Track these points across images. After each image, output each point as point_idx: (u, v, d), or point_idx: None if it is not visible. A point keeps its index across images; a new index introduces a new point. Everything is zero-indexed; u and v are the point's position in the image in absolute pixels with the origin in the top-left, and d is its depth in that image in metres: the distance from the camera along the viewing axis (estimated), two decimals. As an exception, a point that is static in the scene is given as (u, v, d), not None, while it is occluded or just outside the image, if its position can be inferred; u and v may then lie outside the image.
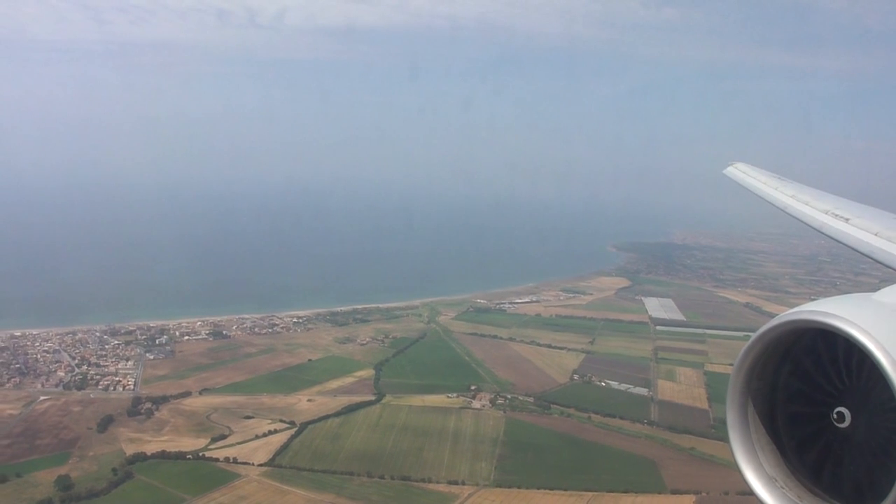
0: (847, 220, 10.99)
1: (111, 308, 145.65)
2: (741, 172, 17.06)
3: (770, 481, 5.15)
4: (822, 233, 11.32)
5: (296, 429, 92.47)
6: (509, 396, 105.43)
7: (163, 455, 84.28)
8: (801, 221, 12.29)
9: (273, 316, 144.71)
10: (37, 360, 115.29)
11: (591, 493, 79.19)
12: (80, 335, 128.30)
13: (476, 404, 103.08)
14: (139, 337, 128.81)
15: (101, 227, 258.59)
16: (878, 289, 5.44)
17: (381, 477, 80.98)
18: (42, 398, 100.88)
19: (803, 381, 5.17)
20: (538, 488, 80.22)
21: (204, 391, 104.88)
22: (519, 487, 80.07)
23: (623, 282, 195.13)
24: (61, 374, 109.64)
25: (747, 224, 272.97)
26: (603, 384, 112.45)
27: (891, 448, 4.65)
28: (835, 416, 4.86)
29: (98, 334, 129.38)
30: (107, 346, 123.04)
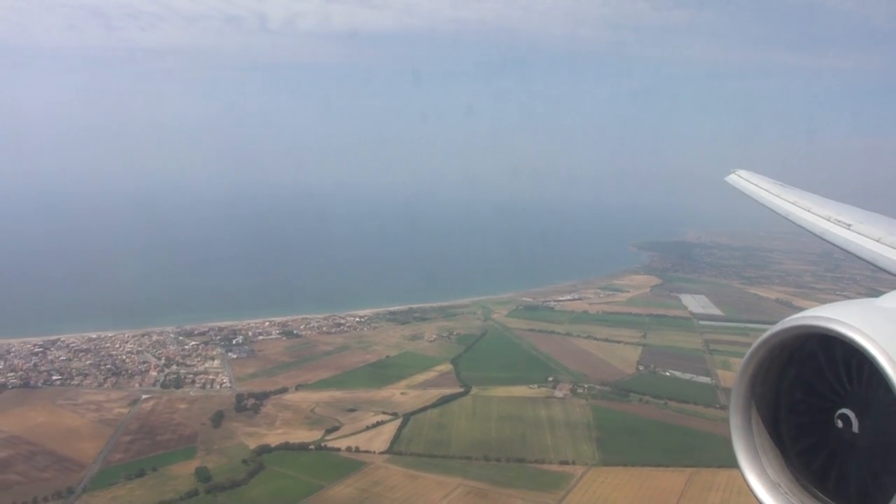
0: (849, 226, 10.92)
1: (170, 310, 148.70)
2: (743, 180, 17.22)
3: (774, 487, 5.18)
4: (825, 239, 11.31)
5: (400, 419, 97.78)
6: (587, 386, 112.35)
7: (286, 446, 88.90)
8: (804, 228, 12.32)
9: (335, 316, 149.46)
10: (124, 360, 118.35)
11: (690, 469, 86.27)
12: (155, 337, 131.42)
13: (558, 394, 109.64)
14: (214, 337, 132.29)
15: (123, 231, 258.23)
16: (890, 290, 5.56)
17: (498, 460, 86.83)
18: (144, 397, 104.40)
19: (807, 387, 5.22)
20: (642, 466, 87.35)
21: (299, 387, 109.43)
22: (625, 465, 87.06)
23: (654, 280, 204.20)
24: (154, 373, 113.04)
25: (754, 223, 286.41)
26: (668, 374, 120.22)
27: (894, 453, 4.69)
28: (838, 421, 4.90)
29: (172, 335, 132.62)
30: (186, 347, 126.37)
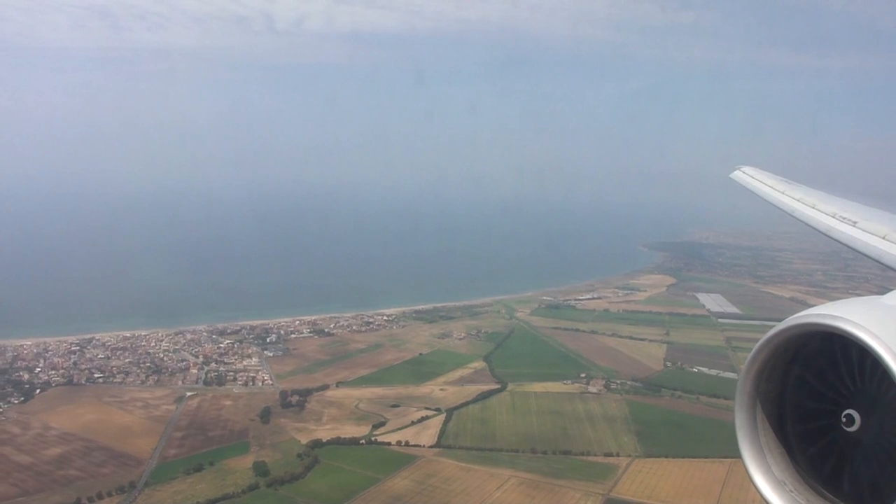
0: (854, 223, 10.81)
1: (198, 309, 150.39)
2: (748, 176, 16.97)
3: (779, 485, 5.19)
4: (830, 236, 11.19)
5: (444, 415, 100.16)
6: (619, 382, 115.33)
7: (337, 441, 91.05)
8: (809, 225, 12.19)
9: (363, 314, 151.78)
10: (162, 359, 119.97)
11: (730, 460, 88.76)
12: (189, 335, 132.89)
13: (592, 389, 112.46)
14: (247, 336, 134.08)
15: (136, 231, 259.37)
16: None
17: (544, 453, 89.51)
18: (189, 394, 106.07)
19: (812, 385, 5.21)
20: (682, 457, 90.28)
21: (340, 384, 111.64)
22: (666, 457, 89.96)
23: (669, 279, 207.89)
24: (194, 371, 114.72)
25: (758, 223, 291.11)
26: (695, 370, 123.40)
27: None
28: (843, 419, 4.88)
29: (206, 334, 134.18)
30: (221, 345, 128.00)
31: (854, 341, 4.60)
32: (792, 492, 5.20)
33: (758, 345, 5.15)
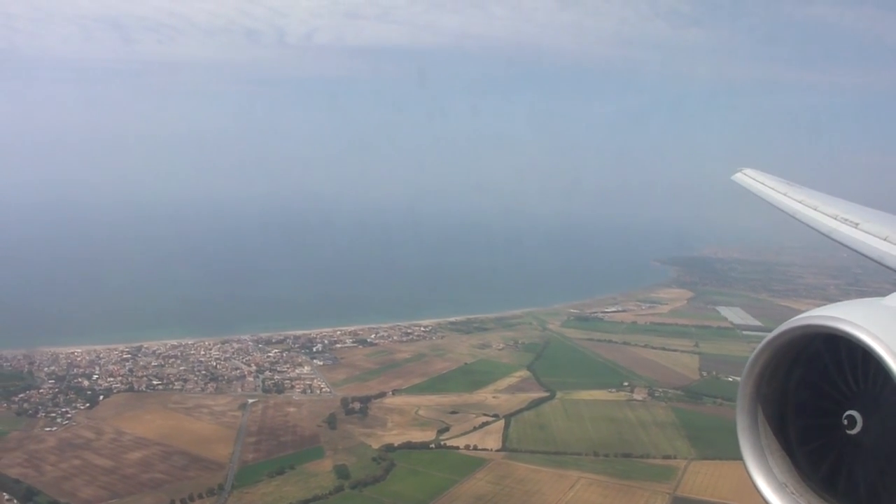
0: (856, 224, 10.87)
1: (235, 318, 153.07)
2: (750, 178, 16.90)
3: (781, 487, 5.22)
4: (832, 238, 11.23)
5: (503, 420, 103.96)
6: (661, 390, 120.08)
7: (409, 445, 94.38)
8: (810, 227, 12.24)
9: (399, 325, 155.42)
10: (215, 367, 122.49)
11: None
12: (235, 345, 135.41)
13: (637, 397, 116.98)
14: (292, 345, 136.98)
15: (151, 241, 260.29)
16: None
17: (606, 455, 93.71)
18: (251, 401, 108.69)
19: (813, 387, 5.21)
20: (736, 459, 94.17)
21: (396, 392, 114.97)
22: (720, 459, 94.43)
23: (688, 293, 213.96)
24: (250, 379, 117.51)
25: (758, 237, 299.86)
26: (730, 379, 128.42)
27: None
28: (845, 420, 4.87)
29: (252, 343, 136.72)
30: (270, 354, 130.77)
31: (855, 343, 4.65)
32: (793, 493, 5.24)
33: (759, 347, 5.23)
